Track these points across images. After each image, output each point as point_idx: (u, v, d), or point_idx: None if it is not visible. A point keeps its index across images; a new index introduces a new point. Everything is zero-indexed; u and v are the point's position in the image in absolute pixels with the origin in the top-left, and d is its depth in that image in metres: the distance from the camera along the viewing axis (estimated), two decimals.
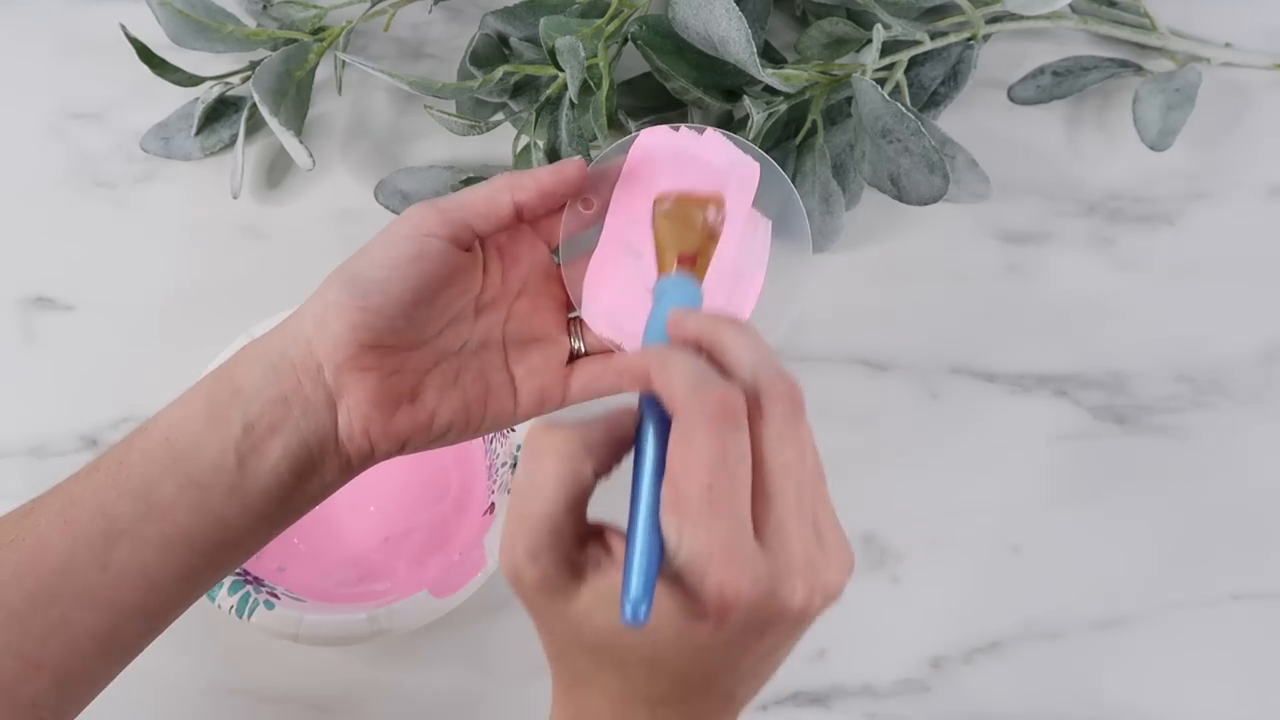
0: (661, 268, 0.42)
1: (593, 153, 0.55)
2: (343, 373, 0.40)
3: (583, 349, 0.46)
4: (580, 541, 0.34)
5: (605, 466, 0.35)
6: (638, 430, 0.35)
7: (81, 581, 0.38)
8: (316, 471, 0.41)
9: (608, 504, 0.36)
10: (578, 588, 0.34)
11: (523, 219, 0.44)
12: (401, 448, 0.42)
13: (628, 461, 0.35)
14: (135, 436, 0.41)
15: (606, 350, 0.46)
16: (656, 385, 0.34)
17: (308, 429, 0.40)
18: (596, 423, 0.35)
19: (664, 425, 0.34)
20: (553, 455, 0.34)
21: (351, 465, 0.42)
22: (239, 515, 0.40)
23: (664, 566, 0.33)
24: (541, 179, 0.43)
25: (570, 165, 0.44)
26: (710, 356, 0.36)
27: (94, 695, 0.41)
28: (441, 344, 0.43)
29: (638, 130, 0.46)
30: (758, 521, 0.33)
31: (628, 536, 0.33)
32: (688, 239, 0.43)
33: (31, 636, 0.38)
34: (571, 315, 0.46)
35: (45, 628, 0.38)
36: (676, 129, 0.46)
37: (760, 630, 0.33)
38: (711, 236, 0.44)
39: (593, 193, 0.45)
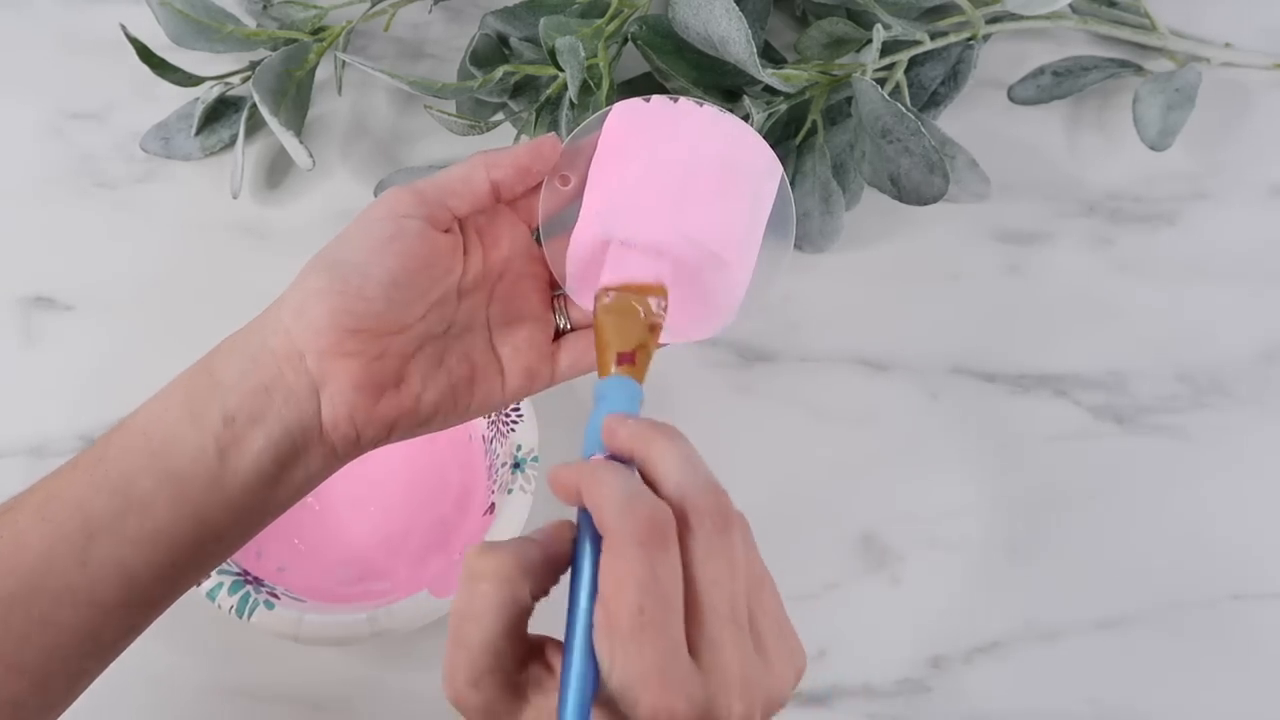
0: (602, 369, 0.41)
1: None
2: (325, 359, 0.40)
3: (568, 326, 0.46)
4: (521, 662, 0.34)
5: (543, 587, 0.35)
6: (575, 545, 0.35)
7: (61, 579, 0.38)
8: (300, 461, 0.40)
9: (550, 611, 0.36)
10: (521, 709, 0.33)
11: (500, 198, 0.43)
12: (388, 434, 0.42)
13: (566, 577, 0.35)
14: (114, 432, 0.40)
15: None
16: (587, 503, 0.34)
17: (290, 418, 0.40)
18: (533, 542, 0.35)
19: (600, 541, 0.34)
20: (490, 580, 0.33)
21: (337, 454, 0.41)
22: (220, 509, 0.39)
23: (600, 690, 0.32)
24: (517, 155, 0.43)
25: (545, 141, 0.44)
26: (641, 470, 0.35)
27: (77, 694, 0.40)
28: (424, 328, 0.42)
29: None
30: (691, 639, 0.32)
31: (564, 658, 0.33)
32: (628, 335, 0.42)
33: (12, 636, 0.37)
34: (555, 293, 0.46)
35: (25, 627, 0.37)
36: (649, 100, 0.45)
37: None
38: (653, 328, 0.43)
39: (569, 169, 0.45)
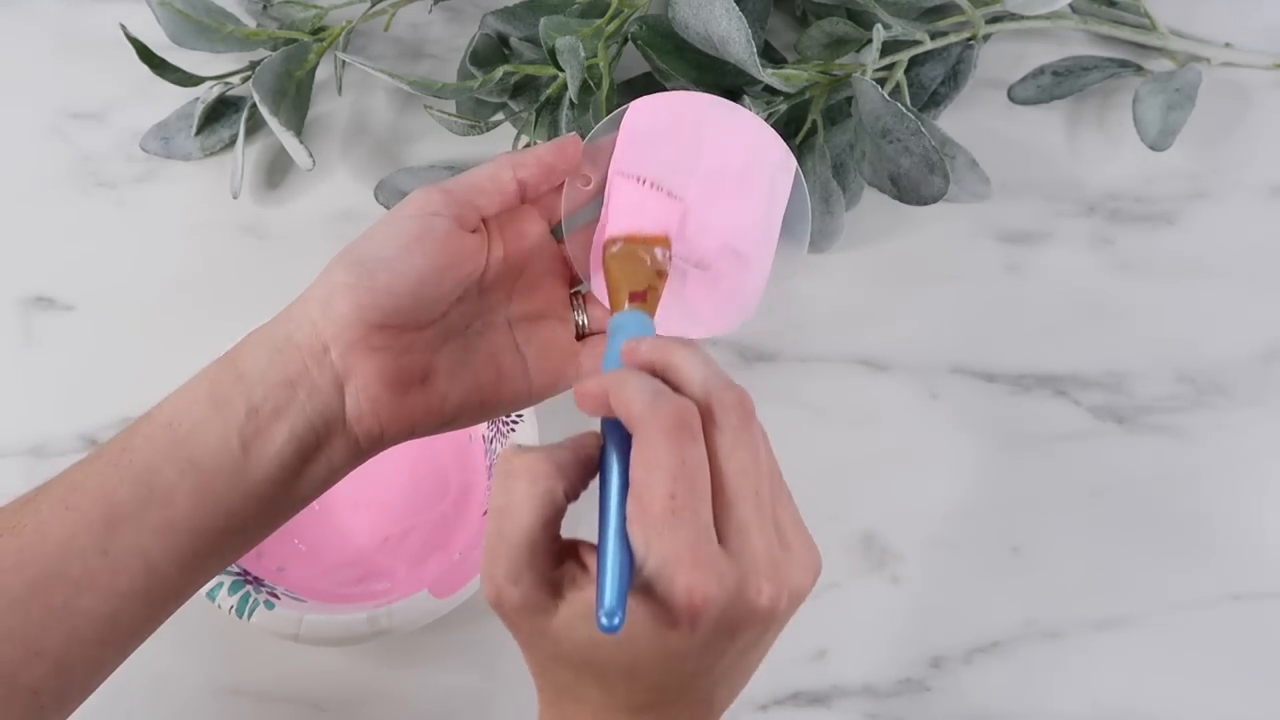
0: (614, 306, 0.43)
1: None
2: (350, 354, 0.40)
3: (586, 323, 0.46)
4: (556, 560, 0.35)
5: (575, 489, 0.36)
6: (602, 453, 0.36)
7: (82, 567, 0.38)
8: (323, 455, 0.41)
9: (578, 523, 0.37)
10: (556, 605, 0.35)
11: (525, 197, 0.44)
12: (412, 430, 0.42)
13: (594, 486, 0.36)
14: (138, 423, 0.41)
15: None
16: (615, 406, 0.35)
17: (314, 412, 0.40)
18: (564, 446, 0.36)
19: (625, 446, 0.35)
20: (526, 477, 0.35)
21: (360, 449, 0.42)
22: (242, 500, 0.40)
23: (635, 578, 0.33)
24: (542, 155, 0.44)
25: (568, 140, 0.45)
26: (664, 377, 0.37)
27: (96, 683, 0.40)
28: (447, 324, 0.43)
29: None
30: (720, 526, 0.34)
31: (599, 550, 0.34)
32: (637, 277, 0.44)
33: (32, 623, 0.38)
34: (573, 290, 0.47)
35: (46, 614, 0.38)
36: (665, 96, 0.46)
37: (731, 632, 0.34)
38: (660, 274, 0.44)
39: (589, 168, 0.46)
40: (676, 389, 0.36)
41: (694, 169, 0.46)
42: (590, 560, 0.35)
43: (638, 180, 0.46)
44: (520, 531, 0.34)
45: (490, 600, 0.35)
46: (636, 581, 0.33)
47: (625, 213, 0.45)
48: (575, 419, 0.59)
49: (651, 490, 0.33)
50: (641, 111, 0.46)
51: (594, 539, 0.35)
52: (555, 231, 0.46)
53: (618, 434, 0.36)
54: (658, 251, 0.45)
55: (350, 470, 0.43)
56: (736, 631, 0.34)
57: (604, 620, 0.32)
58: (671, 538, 0.33)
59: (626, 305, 0.43)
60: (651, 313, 0.43)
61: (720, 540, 0.34)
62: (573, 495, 0.36)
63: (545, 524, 0.34)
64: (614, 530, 0.34)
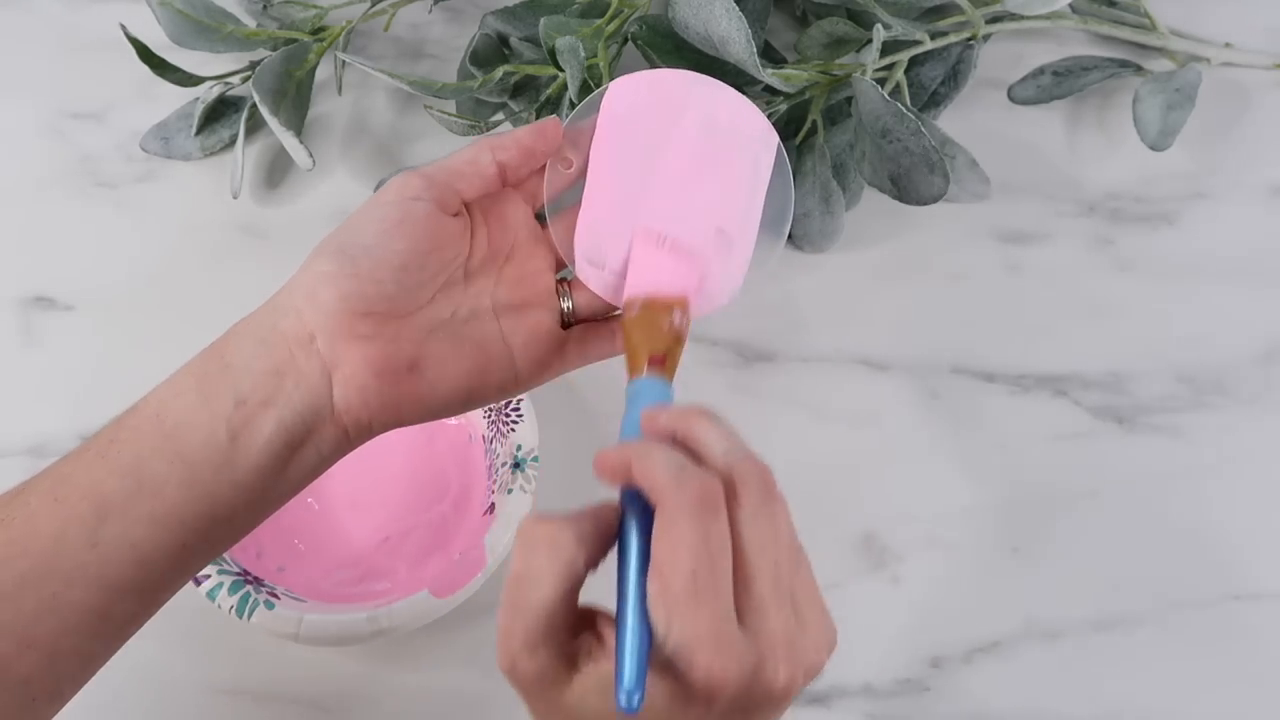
0: (632, 371, 0.43)
1: None
2: (337, 342, 0.40)
3: (572, 308, 0.46)
4: (573, 631, 0.35)
5: (595, 559, 0.35)
6: (621, 523, 0.36)
7: (72, 560, 0.38)
8: (311, 444, 0.41)
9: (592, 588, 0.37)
10: (571, 677, 0.34)
11: (506, 181, 0.44)
12: (399, 420, 0.42)
13: (612, 555, 0.36)
14: (126, 415, 0.41)
15: (599, 311, 0.46)
16: (638, 478, 0.35)
17: (301, 401, 0.40)
18: (585, 515, 0.36)
19: (646, 518, 0.35)
20: (547, 546, 0.34)
21: (348, 438, 0.41)
22: (231, 491, 0.40)
23: (654, 654, 0.33)
24: (521, 138, 0.44)
25: (548, 123, 0.44)
26: (684, 447, 0.36)
27: (88, 676, 0.40)
28: (434, 312, 0.43)
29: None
30: (738, 603, 0.34)
31: (617, 626, 0.34)
32: (656, 341, 0.43)
33: (23, 615, 0.38)
34: (559, 277, 0.46)
35: (37, 607, 0.38)
36: (643, 76, 0.46)
37: (745, 711, 0.34)
38: (678, 339, 0.44)
39: (571, 150, 0.46)
40: (697, 460, 0.36)
41: (676, 147, 0.45)
42: (606, 632, 0.35)
43: (658, 239, 0.45)
44: (539, 602, 0.34)
45: (504, 670, 0.35)
46: (656, 658, 0.33)
47: (644, 271, 0.45)
48: (573, 420, 0.59)
49: (673, 568, 0.33)
50: (621, 91, 0.45)
51: (606, 604, 0.35)
52: (540, 216, 0.46)
53: (638, 505, 0.35)
54: (676, 315, 0.44)
55: (338, 459, 0.42)
56: (751, 711, 0.34)
57: (623, 700, 0.32)
58: (693, 617, 0.32)
59: (645, 371, 0.42)
60: (670, 378, 0.42)
61: (738, 616, 0.34)
62: (593, 566, 0.35)
63: (565, 595, 0.34)
64: (633, 606, 0.34)
